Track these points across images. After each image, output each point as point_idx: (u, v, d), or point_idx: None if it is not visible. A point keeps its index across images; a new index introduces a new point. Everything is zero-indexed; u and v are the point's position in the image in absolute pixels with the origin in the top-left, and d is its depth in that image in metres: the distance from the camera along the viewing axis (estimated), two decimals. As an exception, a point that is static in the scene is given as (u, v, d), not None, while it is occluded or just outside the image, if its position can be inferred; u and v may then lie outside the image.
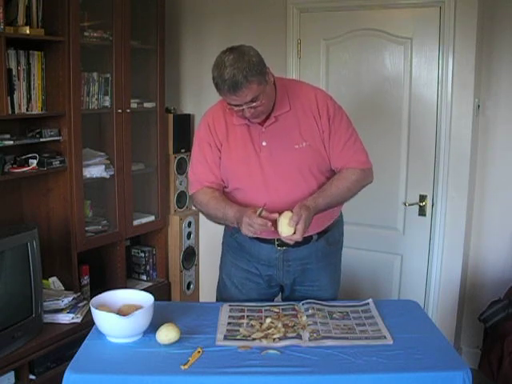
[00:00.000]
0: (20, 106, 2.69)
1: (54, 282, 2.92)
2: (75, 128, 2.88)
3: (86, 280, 3.16)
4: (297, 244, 2.02)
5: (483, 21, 2.92)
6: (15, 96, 2.66)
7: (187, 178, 3.40)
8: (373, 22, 3.09)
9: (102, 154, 3.15)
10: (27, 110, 2.73)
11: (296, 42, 3.29)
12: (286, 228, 1.92)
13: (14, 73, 2.64)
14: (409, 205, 3.16)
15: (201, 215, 3.40)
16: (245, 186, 2.12)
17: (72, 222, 2.96)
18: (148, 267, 3.60)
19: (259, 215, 1.92)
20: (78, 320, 2.73)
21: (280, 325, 1.93)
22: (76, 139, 2.90)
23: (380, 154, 2.84)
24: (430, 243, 3.15)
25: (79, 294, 2.90)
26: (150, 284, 3.56)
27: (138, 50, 3.31)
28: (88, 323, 2.18)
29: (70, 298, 2.79)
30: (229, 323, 1.97)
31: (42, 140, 2.81)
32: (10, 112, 2.62)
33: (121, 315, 1.82)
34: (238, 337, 1.86)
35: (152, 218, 3.52)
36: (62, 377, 1.66)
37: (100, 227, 3.20)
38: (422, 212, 3.14)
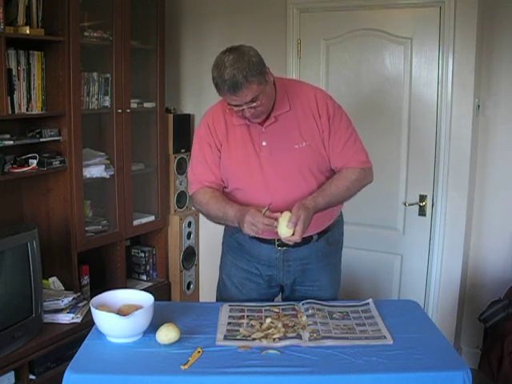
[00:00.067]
0: (20, 106, 2.69)
1: (53, 281, 2.93)
2: (75, 128, 2.88)
3: (85, 280, 3.16)
4: (297, 244, 2.02)
5: (483, 21, 2.92)
6: (15, 96, 2.66)
7: (187, 177, 3.40)
8: (373, 22, 3.09)
9: (102, 154, 3.15)
10: (27, 110, 2.73)
11: (296, 42, 3.29)
12: (284, 229, 1.92)
13: (14, 73, 2.64)
14: (409, 205, 3.16)
15: (201, 215, 3.40)
16: (245, 186, 2.12)
17: (72, 222, 2.96)
18: (148, 267, 3.60)
19: (264, 215, 1.92)
20: (78, 320, 2.73)
21: (280, 325, 1.93)
22: (76, 139, 2.90)
23: (380, 154, 2.84)
24: (430, 243, 3.15)
25: (79, 293, 2.90)
26: (149, 284, 3.56)
27: (138, 50, 3.31)
28: (88, 323, 2.18)
29: (70, 298, 2.79)
30: (229, 323, 1.97)
31: (42, 140, 2.81)
32: (10, 112, 2.62)
33: (121, 315, 1.82)
34: (238, 337, 1.86)
35: (152, 218, 3.52)
36: (62, 377, 1.66)
37: (100, 227, 3.20)
38: (422, 212, 3.14)
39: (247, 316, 2.03)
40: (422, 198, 3.13)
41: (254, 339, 1.84)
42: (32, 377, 2.58)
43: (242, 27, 3.40)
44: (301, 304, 2.11)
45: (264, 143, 2.07)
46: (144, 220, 3.47)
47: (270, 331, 1.89)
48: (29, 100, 2.73)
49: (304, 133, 2.06)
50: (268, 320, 1.97)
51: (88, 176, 3.04)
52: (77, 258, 3.02)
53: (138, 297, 1.98)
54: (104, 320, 1.84)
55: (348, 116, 2.14)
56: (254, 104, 1.93)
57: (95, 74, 3.03)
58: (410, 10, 3.01)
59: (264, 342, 1.82)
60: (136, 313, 1.83)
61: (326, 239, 2.23)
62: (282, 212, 1.95)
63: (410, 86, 3.06)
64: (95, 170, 3.07)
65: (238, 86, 1.85)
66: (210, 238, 3.71)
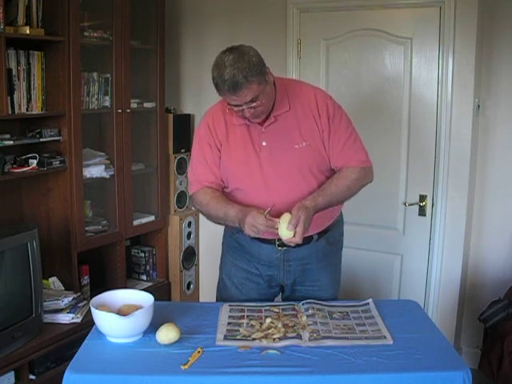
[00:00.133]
0: (20, 106, 2.69)
1: (54, 282, 2.93)
2: (75, 128, 2.88)
3: (85, 280, 3.16)
4: (297, 244, 2.01)
5: (483, 21, 2.92)
6: (15, 96, 2.66)
7: (187, 177, 3.40)
8: (373, 21, 3.09)
9: (102, 154, 3.15)
10: (27, 110, 2.73)
11: (296, 42, 3.29)
12: (285, 231, 1.92)
13: (14, 73, 2.64)
14: (409, 205, 3.16)
15: (201, 215, 3.40)
16: (245, 186, 2.12)
17: (72, 222, 2.96)
18: (148, 267, 3.60)
19: (265, 217, 1.92)
20: (78, 320, 2.73)
21: (280, 325, 1.93)
22: (76, 139, 2.90)
23: (380, 154, 2.84)
24: (430, 243, 3.15)
25: (79, 294, 2.90)
26: (149, 284, 3.56)
27: (138, 50, 3.31)
28: (88, 323, 2.18)
29: (70, 298, 2.79)
30: (229, 323, 1.97)
31: (42, 140, 2.81)
32: (10, 112, 2.62)
33: (121, 315, 1.82)
34: (238, 337, 1.86)
35: (152, 218, 3.52)
36: (62, 377, 1.66)
37: (100, 227, 3.20)
38: (422, 212, 3.14)
39: (247, 316, 2.03)
40: (422, 197, 3.13)
41: (254, 339, 1.84)
42: (32, 377, 2.58)
43: (242, 27, 3.40)
44: (301, 304, 2.11)
45: (264, 143, 2.07)
46: (144, 220, 3.47)
47: (270, 331, 1.89)
48: (29, 100, 2.73)
49: (304, 133, 2.06)
50: (268, 320, 1.97)
51: (88, 176, 3.04)
52: (77, 258, 3.02)
53: (138, 297, 1.98)
54: (104, 320, 1.84)
55: (348, 116, 2.14)
56: (254, 104, 1.93)
57: (95, 74, 3.03)
58: (410, 10, 3.01)
59: (264, 342, 1.82)
60: (136, 313, 1.83)
61: (327, 239, 2.23)
62: (282, 214, 1.95)
63: (410, 86, 3.06)
64: (95, 170, 3.07)
65: (238, 86, 1.85)
66: (210, 238, 3.71)
